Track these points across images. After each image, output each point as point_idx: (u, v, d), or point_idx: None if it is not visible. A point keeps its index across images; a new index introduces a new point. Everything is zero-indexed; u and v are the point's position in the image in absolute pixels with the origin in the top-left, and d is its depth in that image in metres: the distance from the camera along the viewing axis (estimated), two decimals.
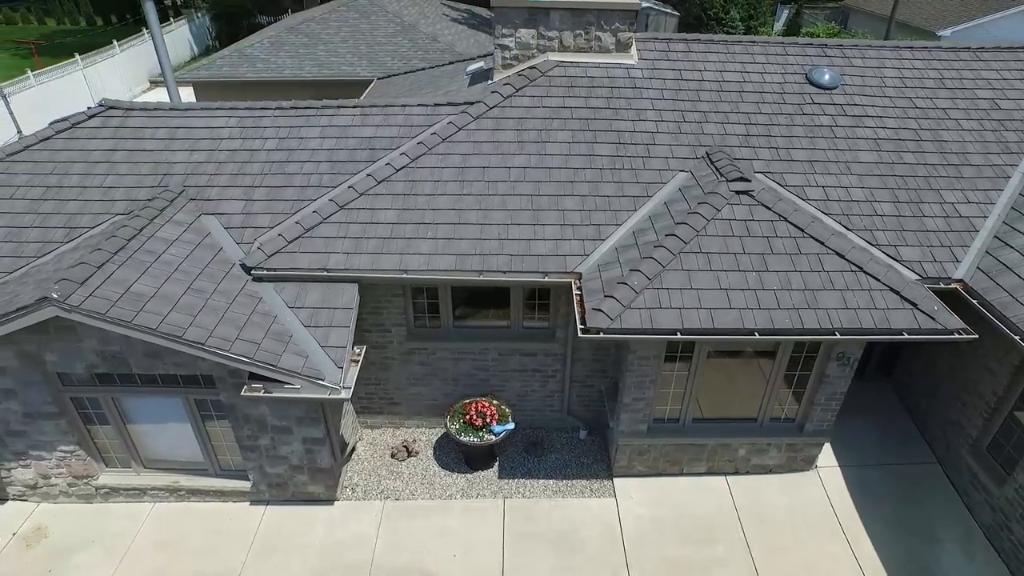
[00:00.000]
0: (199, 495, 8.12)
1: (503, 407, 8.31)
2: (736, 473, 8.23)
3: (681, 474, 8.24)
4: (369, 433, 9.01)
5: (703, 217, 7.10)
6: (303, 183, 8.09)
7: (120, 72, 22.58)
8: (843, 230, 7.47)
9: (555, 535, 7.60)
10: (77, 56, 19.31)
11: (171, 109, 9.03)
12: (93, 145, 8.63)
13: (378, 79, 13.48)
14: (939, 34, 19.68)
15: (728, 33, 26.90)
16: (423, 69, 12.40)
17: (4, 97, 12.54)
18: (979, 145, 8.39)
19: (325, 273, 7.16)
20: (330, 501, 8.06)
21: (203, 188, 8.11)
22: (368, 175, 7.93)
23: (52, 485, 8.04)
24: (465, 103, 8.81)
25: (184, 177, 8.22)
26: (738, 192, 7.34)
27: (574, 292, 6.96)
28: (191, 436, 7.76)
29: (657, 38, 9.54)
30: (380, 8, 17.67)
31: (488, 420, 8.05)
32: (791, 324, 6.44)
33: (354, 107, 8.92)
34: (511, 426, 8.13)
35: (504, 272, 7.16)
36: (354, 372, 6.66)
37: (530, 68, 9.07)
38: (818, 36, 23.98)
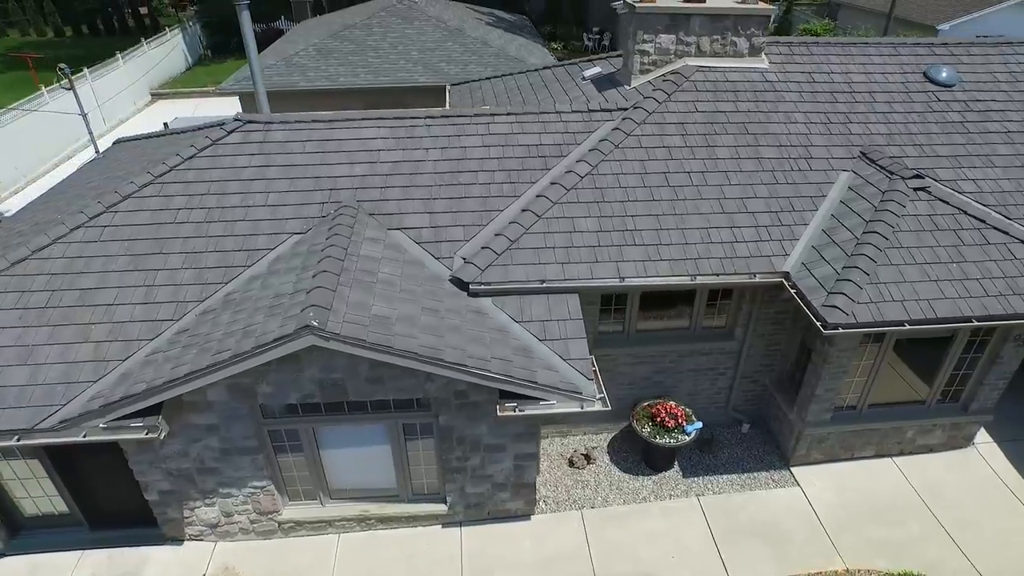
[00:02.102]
0: (388, 522, 7.87)
1: (685, 407, 8.46)
2: (900, 454, 8.69)
3: (852, 458, 8.63)
4: None
5: (894, 214, 7.47)
6: (482, 193, 7.97)
7: (124, 85, 21.12)
8: (1008, 221, 8.00)
9: (758, 527, 7.82)
10: (86, 70, 17.86)
11: (313, 121, 8.68)
12: (242, 162, 8.20)
13: (452, 85, 13.27)
14: (939, 28, 21.08)
15: None
16: (511, 75, 12.29)
17: (84, 117, 11.58)
18: None
19: (543, 285, 7.10)
20: (527, 516, 7.99)
21: (378, 202, 7.86)
22: (554, 183, 7.89)
23: (233, 523, 7.63)
24: (618, 109, 8.89)
25: (353, 191, 7.94)
26: (916, 189, 7.76)
27: (791, 291, 7.19)
28: (388, 463, 7.53)
29: (778, 42, 9.87)
30: (421, 12, 17.33)
31: (679, 421, 8.19)
32: (1003, 310, 6.89)
33: (507, 114, 8.83)
34: (699, 425, 8.30)
35: (717, 275, 7.32)
36: (598, 383, 6.64)
37: (673, 73, 9.23)
38: (816, 33, 25.17)
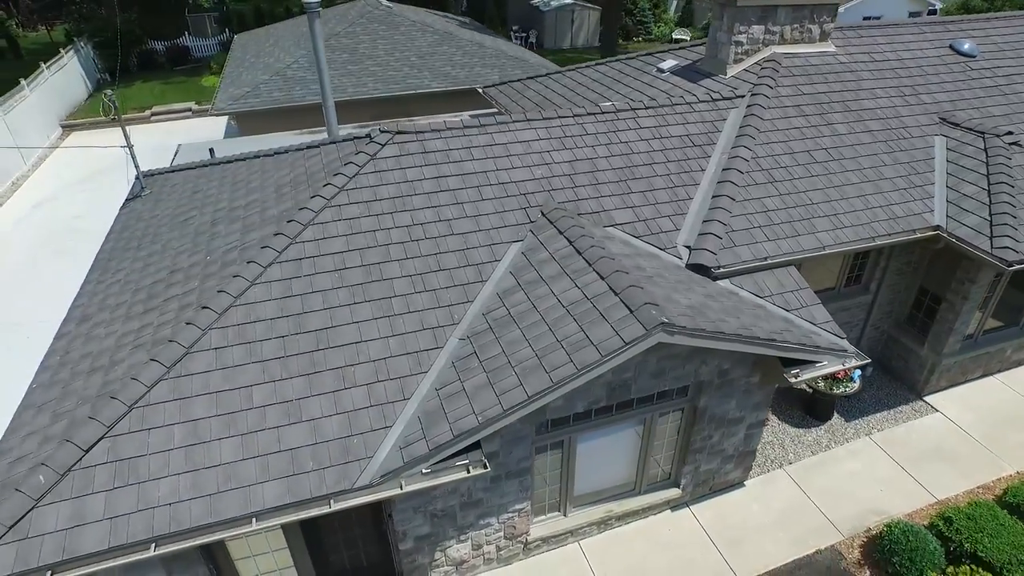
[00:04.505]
0: (624, 519, 7.94)
1: None
2: (999, 371, 10.19)
3: (965, 382, 9.98)
4: None
5: (1007, 166, 8.77)
6: (665, 184, 8.20)
7: (33, 117, 17.97)
8: None
9: (928, 451, 8.85)
10: None
11: (465, 127, 8.37)
12: (413, 175, 7.75)
13: (485, 88, 13.08)
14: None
15: (641, 22, 29.38)
16: (560, 72, 12.38)
17: (131, 149, 9.62)
18: None
19: (766, 262, 7.51)
20: (742, 484, 8.40)
21: (576, 202, 7.80)
22: (727, 169, 8.30)
23: (480, 555, 7.30)
24: (737, 96, 9.47)
25: (546, 194, 7.82)
26: (1010, 144, 9.16)
27: (952, 240, 8.22)
28: (630, 458, 7.60)
29: (836, 27, 10.98)
30: (404, 18, 16.63)
31: (847, 371, 8.98)
32: None
33: (646, 108, 9.07)
34: (860, 372, 9.16)
35: (889, 235, 8.17)
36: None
37: (768, 60, 9.99)
38: None
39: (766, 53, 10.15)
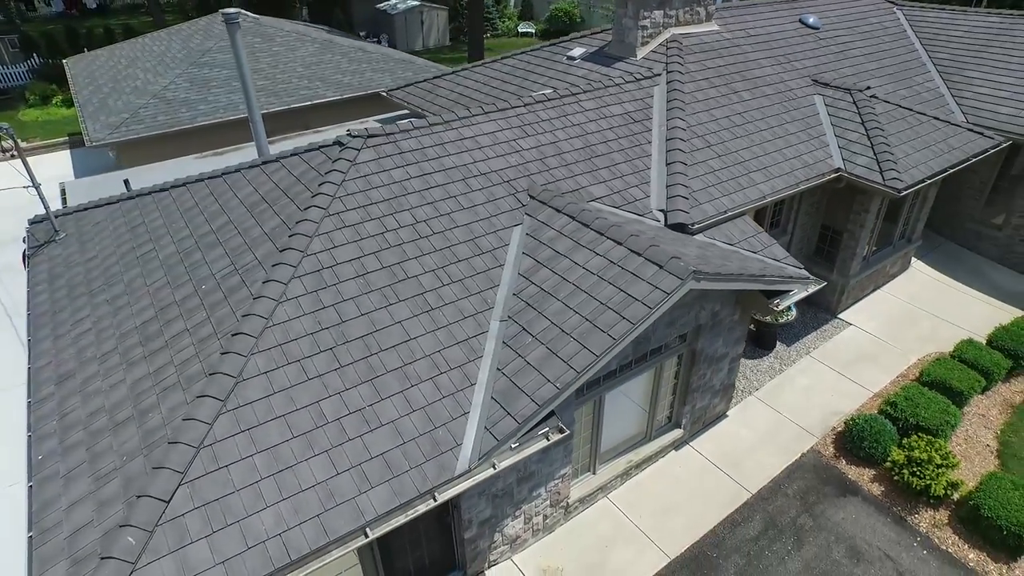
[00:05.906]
0: (640, 466, 8.63)
1: None
2: (883, 285, 12.27)
3: (863, 297, 11.93)
4: None
5: (875, 114, 10.64)
6: (624, 158, 8.96)
7: None
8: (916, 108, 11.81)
9: (855, 356, 10.55)
10: None
11: (431, 125, 8.51)
12: (398, 175, 7.83)
13: (388, 92, 13.01)
14: None
15: (487, 19, 30.14)
16: (457, 71, 12.64)
17: (38, 188, 7.92)
18: (900, 47, 13.80)
19: (725, 215, 8.53)
20: (725, 415, 9.45)
21: (556, 183, 8.28)
22: (671, 139, 9.24)
23: (529, 528, 7.65)
24: (654, 75, 10.50)
25: (526, 179, 8.23)
26: (870, 97, 11.09)
27: (851, 178, 9.86)
28: (642, 408, 8.30)
29: (716, 9, 12.47)
30: (277, 29, 15.73)
31: None
32: (957, 159, 10.51)
33: (585, 92, 9.77)
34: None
35: (808, 180, 9.60)
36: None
37: (671, 41, 11.17)
38: (567, 11, 28.99)
39: (667, 35, 11.32)
